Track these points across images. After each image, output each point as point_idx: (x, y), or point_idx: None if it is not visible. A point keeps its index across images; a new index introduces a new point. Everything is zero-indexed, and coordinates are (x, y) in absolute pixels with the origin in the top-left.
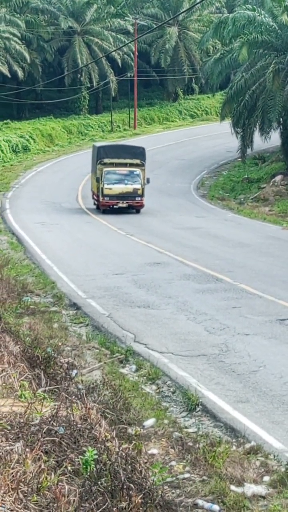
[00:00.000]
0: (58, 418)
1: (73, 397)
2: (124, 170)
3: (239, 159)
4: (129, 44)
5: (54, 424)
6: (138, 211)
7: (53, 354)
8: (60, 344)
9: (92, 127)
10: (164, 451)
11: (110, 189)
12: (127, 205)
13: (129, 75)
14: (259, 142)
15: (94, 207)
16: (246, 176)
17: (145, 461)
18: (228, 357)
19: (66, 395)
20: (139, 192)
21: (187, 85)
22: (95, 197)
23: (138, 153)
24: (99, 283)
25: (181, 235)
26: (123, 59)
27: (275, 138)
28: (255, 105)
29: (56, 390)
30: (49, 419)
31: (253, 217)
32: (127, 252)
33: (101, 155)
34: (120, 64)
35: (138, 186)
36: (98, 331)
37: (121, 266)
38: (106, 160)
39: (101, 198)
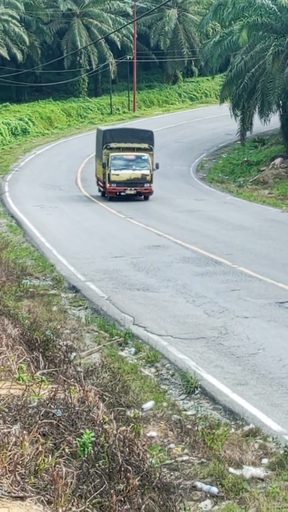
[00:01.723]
0: (56, 401)
1: (72, 379)
2: (132, 155)
3: (239, 142)
4: (129, 26)
5: (52, 406)
6: (146, 198)
7: (52, 337)
8: (59, 327)
9: (91, 110)
10: (163, 433)
11: (117, 175)
12: (135, 192)
13: (128, 58)
14: (258, 124)
15: (99, 194)
16: (245, 159)
17: (143, 443)
18: (227, 339)
19: (64, 378)
20: (148, 178)
21: (187, 68)
22: (101, 184)
23: (146, 137)
24: (98, 266)
25: (180, 218)
26: (122, 41)
27: (274, 120)
28: (255, 87)
29: (55, 372)
30: (47, 402)
31: (253, 200)
32: (126, 235)
33: (107, 139)
34: (119, 47)
35: (146, 171)
36: (97, 314)
37: (120, 249)
38: (113, 145)
39: (107, 185)
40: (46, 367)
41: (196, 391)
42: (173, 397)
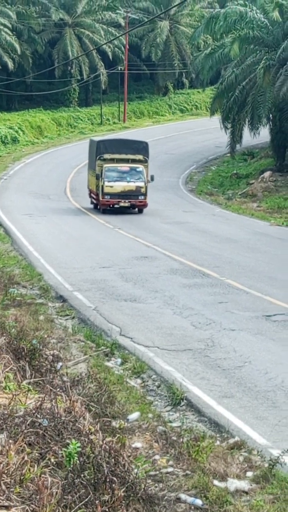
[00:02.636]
0: (42, 410)
1: (58, 389)
2: (126, 166)
3: (228, 155)
4: (120, 37)
5: (38, 416)
6: (140, 211)
7: (38, 346)
8: (45, 336)
9: (81, 120)
10: (148, 445)
11: (111, 187)
12: (130, 205)
13: (119, 68)
14: (248, 137)
15: (91, 206)
16: (234, 172)
17: (129, 454)
18: (213, 352)
19: (51, 387)
20: (143, 190)
21: (178, 80)
22: (94, 196)
23: (141, 148)
24: (86, 275)
25: (168, 229)
26: (113, 52)
27: (264, 134)
28: (245, 100)
29: (41, 382)
30: (33, 411)
31: (241, 213)
32: (114, 246)
33: (100, 150)
34: (110, 57)
35: (141, 183)
36: (84, 324)
37: (108, 259)
38: (106, 156)
39: (100, 197)
40: (33, 376)
41: (182, 403)
42: (159, 408)
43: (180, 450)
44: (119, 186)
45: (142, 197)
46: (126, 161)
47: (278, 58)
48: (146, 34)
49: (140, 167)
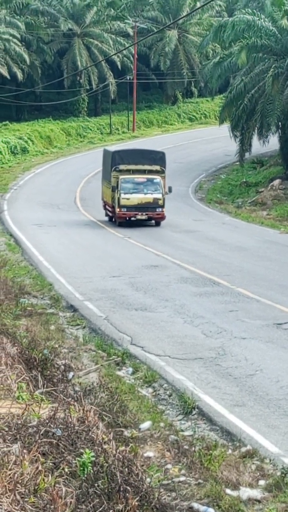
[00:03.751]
0: (56, 420)
1: (70, 399)
2: (143, 177)
3: (237, 163)
4: (129, 47)
5: (52, 426)
6: (158, 224)
7: (50, 356)
8: (57, 346)
9: (90, 130)
10: (160, 454)
11: (127, 199)
12: (147, 217)
13: (128, 78)
14: (257, 146)
15: (106, 218)
16: (244, 180)
17: (142, 464)
18: (224, 360)
19: (64, 397)
20: (160, 202)
21: (186, 88)
22: (109, 208)
23: (158, 158)
24: (96, 285)
25: (178, 238)
26: (122, 61)
27: (273, 142)
28: (254, 109)
29: (53, 392)
30: (47, 421)
31: (251, 221)
32: (124, 255)
33: (116, 161)
34: (119, 67)
35: (158, 195)
36: (95, 333)
37: (118, 269)
38: (122, 167)
39: (117, 209)
40: (45, 386)
41: (194, 412)
42: (170, 417)
43: (192, 459)
44: (136, 198)
45: (160, 209)
46: (143, 172)
47: (286, 66)
48: (155, 44)
49: (157, 178)
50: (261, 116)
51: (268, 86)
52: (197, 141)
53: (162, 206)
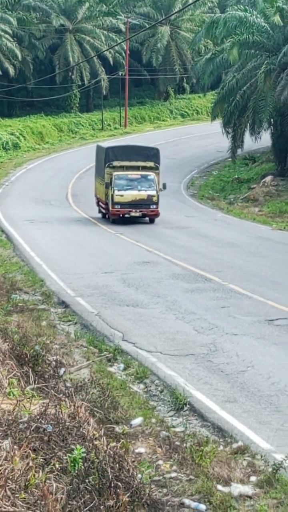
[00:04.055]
0: (47, 416)
1: (62, 395)
2: (137, 174)
3: (230, 159)
4: (121, 43)
5: (43, 421)
6: (152, 221)
7: (41, 352)
8: (48, 342)
9: (82, 125)
10: (151, 450)
11: (121, 196)
12: (141, 214)
13: (120, 74)
14: (249, 142)
15: (99, 215)
16: (236, 176)
17: (133, 460)
18: (216, 357)
19: (55, 393)
20: (154, 199)
21: (178, 85)
22: (102, 205)
23: (152, 154)
24: (88, 281)
25: (170, 234)
26: (114, 57)
27: (265, 138)
28: (246, 105)
29: (45, 388)
30: (38, 417)
31: (243, 217)
32: (116, 251)
33: (109, 157)
34: (111, 63)
35: (152, 192)
36: (87, 329)
37: (110, 265)
38: (116, 163)
39: (110, 206)
40: (36, 382)
41: (185, 408)
42: (162, 413)
43: (183, 455)
44: (130, 195)
45: (154, 206)
46: (137, 168)
47: (279, 62)
48: (147, 40)
49: (151, 175)
50: (253, 112)
51: (260, 83)
52: (189, 137)
53: (156, 203)
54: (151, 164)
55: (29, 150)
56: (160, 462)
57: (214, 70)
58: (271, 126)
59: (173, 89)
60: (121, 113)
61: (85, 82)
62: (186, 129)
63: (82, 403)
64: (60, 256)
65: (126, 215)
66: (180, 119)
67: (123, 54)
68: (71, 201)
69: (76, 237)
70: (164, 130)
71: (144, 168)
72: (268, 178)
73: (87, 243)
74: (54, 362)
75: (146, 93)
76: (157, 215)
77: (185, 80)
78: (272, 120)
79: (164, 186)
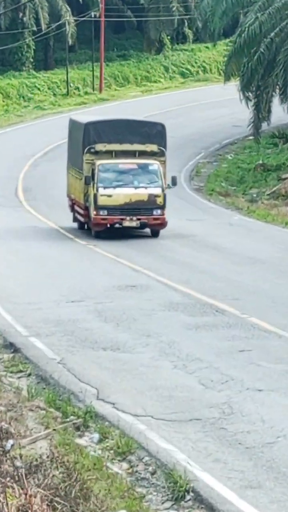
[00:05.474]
0: None
1: (8, 479)
2: (132, 163)
3: (251, 138)
4: None
5: None
6: (155, 234)
7: None
8: None
9: (39, 89)
10: None
11: (108, 196)
12: (139, 224)
13: (93, 15)
14: (279, 113)
15: (75, 225)
16: (260, 162)
17: None
18: (232, 422)
19: None
20: (159, 201)
21: (177, 30)
22: (80, 209)
23: (155, 133)
24: (47, 314)
25: (166, 245)
26: None
27: None
28: (275, 59)
29: None
30: None
31: (270, 221)
32: (87, 270)
33: (90, 137)
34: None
35: (156, 190)
36: (45, 383)
37: (79, 290)
38: (100, 147)
39: (93, 212)
40: None
41: (187, 497)
42: (154, 505)
43: None
44: (122, 195)
45: (159, 211)
46: (132, 154)
47: None
48: None
49: (154, 164)
50: (284, 69)
51: None
52: (193, 106)
53: (162, 207)
54: (153, 148)
55: None
56: None
57: (228, 9)
58: None
59: (169, 37)
60: (94, 72)
61: (42, 27)
62: (189, 94)
63: (38, 491)
64: (8, 277)
65: (117, 225)
66: (180, 80)
67: None
68: (23, 198)
69: (29, 248)
70: (156, 95)
71: (143, 153)
72: None
73: (45, 257)
74: None
75: (130, 43)
76: (163, 224)
77: (186, 24)
78: None
79: (174, 181)
